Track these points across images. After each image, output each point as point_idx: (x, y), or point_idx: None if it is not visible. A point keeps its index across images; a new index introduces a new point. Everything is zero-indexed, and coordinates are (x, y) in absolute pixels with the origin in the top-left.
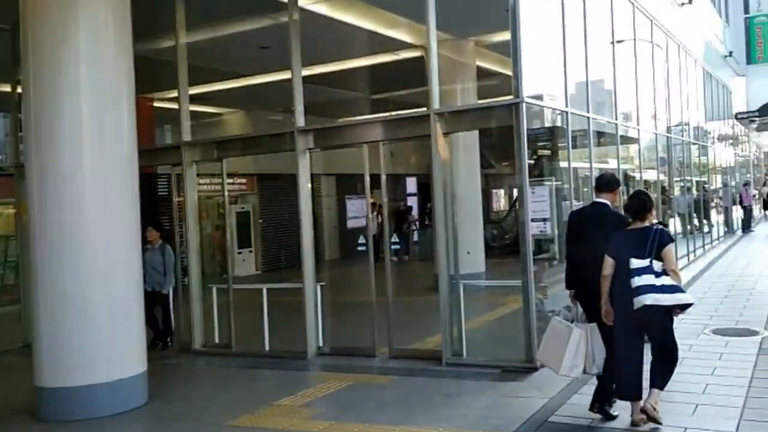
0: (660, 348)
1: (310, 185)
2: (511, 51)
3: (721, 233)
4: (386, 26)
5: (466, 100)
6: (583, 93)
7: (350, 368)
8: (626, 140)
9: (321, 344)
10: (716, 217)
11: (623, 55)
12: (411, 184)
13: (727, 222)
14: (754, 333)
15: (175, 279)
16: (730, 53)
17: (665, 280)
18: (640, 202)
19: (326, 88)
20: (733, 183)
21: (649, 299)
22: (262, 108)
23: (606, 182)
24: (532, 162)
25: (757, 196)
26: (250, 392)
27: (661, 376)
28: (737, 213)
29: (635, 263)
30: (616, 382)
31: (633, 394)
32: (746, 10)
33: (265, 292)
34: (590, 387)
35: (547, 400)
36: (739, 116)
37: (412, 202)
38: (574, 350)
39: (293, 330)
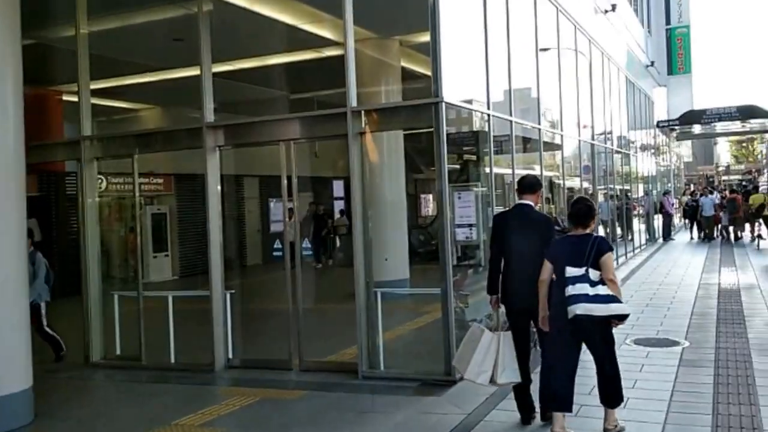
0: (598, 362)
1: (219, 186)
2: (430, 51)
3: (643, 241)
4: (308, 22)
5: (391, 100)
6: (508, 98)
7: (260, 382)
8: (550, 147)
9: (231, 356)
10: (638, 225)
11: (548, 61)
12: (338, 187)
13: (649, 230)
14: (675, 343)
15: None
16: (652, 63)
17: (600, 290)
18: (586, 209)
19: (247, 85)
20: (655, 192)
21: (580, 309)
22: (181, 104)
23: (528, 184)
24: (458, 166)
25: (677, 205)
26: (148, 410)
27: (607, 395)
28: (658, 221)
29: (570, 271)
30: (543, 389)
31: (558, 405)
32: (668, 21)
33: (170, 300)
34: (509, 402)
35: (464, 416)
36: (661, 124)
37: (341, 205)
38: (482, 355)
39: (206, 340)
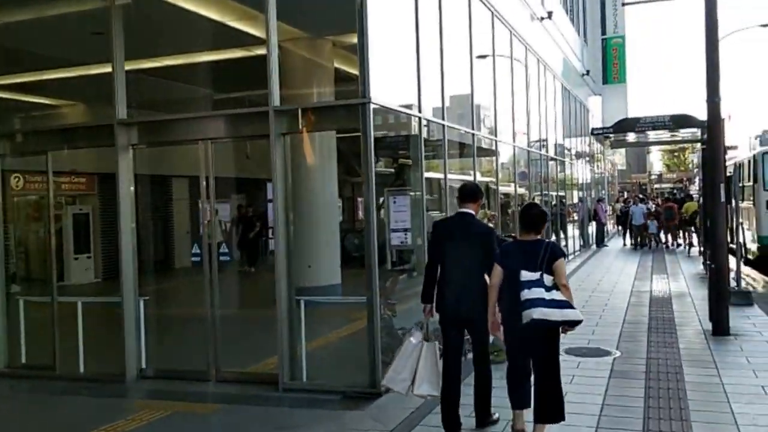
0: (539, 371)
1: (133, 187)
2: (358, 50)
3: (577, 247)
4: (234, 18)
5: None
6: (441, 102)
7: (173, 394)
8: (486, 152)
9: (144, 366)
10: (572, 232)
11: (484, 67)
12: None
13: (583, 236)
14: (607, 353)
15: None
16: (588, 72)
17: (555, 295)
18: (540, 214)
19: (172, 83)
20: (589, 199)
21: (537, 313)
22: (97, 100)
23: (470, 192)
24: (393, 170)
25: (610, 212)
26: (46, 425)
27: (547, 408)
28: (592, 228)
29: (525, 275)
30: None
31: (519, 404)
32: (603, 32)
33: (80, 306)
34: (434, 416)
35: None
36: (595, 132)
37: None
38: (403, 361)
39: (119, 349)
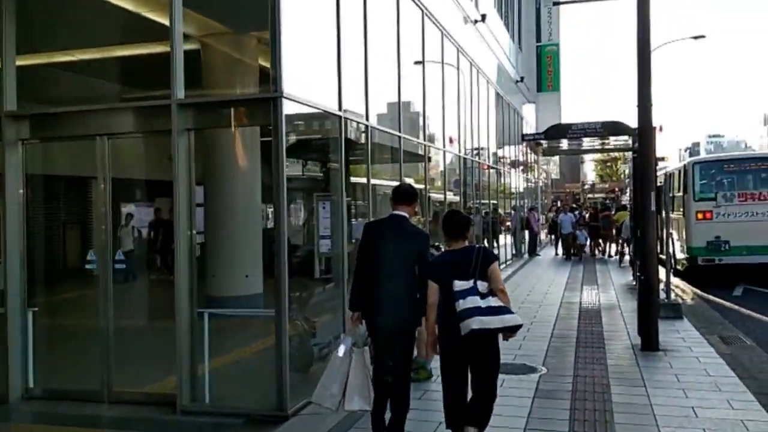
0: (480, 380)
1: (22, 188)
2: (270, 42)
3: (509, 256)
4: (147, 9)
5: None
6: (374, 105)
7: (60, 418)
8: (416, 157)
9: (31, 385)
10: (505, 240)
11: (413, 67)
12: (198, 194)
13: (516, 245)
14: (532, 370)
15: None
16: (522, 79)
17: (491, 302)
18: (465, 219)
19: (80, 77)
20: (525, 208)
21: (476, 323)
22: None
23: (404, 193)
24: (320, 175)
25: (543, 222)
26: None
27: (480, 414)
28: (525, 237)
29: (458, 285)
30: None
31: (455, 426)
32: (538, 39)
33: None
34: None
35: None
36: (526, 138)
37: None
38: (332, 376)
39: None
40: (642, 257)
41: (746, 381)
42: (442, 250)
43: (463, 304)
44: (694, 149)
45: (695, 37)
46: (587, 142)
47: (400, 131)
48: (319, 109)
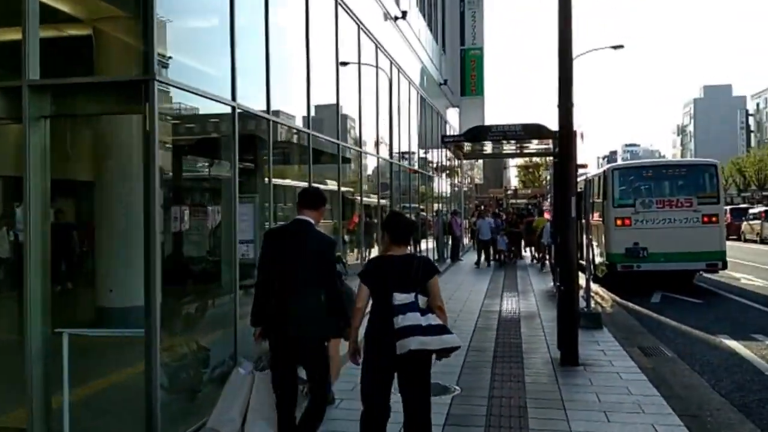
0: (411, 407)
1: None
2: (141, 20)
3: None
4: None
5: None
6: (268, 93)
7: None
8: (331, 158)
9: None
10: (427, 245)
11: (324, 60)
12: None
13: (438, 250)
14: (445, 390)
15: None
16: (445, 81)
17: (431, 319)
18: (411, 222)
19: None
20: (446, 212)
21: (415, 343)
22: None
23: (310, 197)
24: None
25: (467, 226)
26: None
27: None
28: (447, 242)
29: (399, 298)
30: None
31: None
32: (462, 42)
33: None
34: None
35: None
36: (446, 140)
37: None
38: (230, 398)
39: None
40: (562, 266)
41: (671, 401)
42: (344, 262)
43: (402, 321)
44: (611, 157)
45: (614, 47)
46: (509, 147)
47: (309, 128)
48: (202, 95)
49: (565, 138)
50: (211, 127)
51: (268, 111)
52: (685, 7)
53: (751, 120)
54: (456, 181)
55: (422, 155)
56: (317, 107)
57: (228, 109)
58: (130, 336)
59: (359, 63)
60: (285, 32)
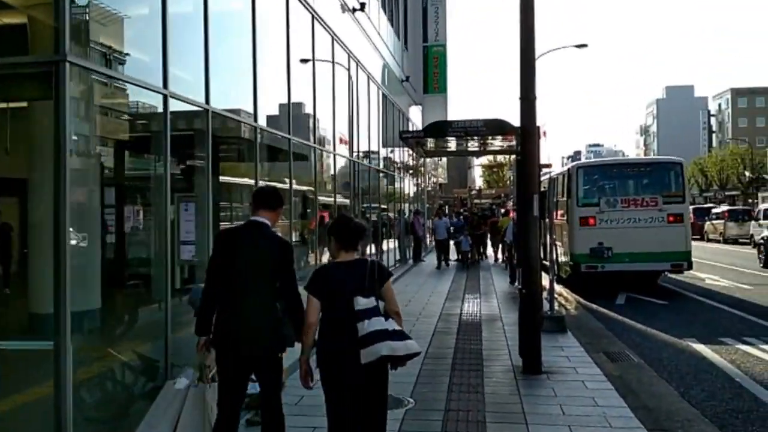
0: (370, 424)
1: None
2: None
3: (392, 263)
4: None
5: None
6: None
7: None
8: (297, 156)
9: None
10: (389, 246)
11: (275, 50)
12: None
13: (401, 251)
14: (398, 403)
15: None
16: (407, 78)
17: (394, 324)
18: (360, 226)
19: None
20: (408, 212)
21: (386, 349)
22: None
23: (266, 197)
24: (178, 172)
25: (430, 226)
26: None
27: None
28: (410, 242)
29: (362, 302)
30: None
31: None
32: (425, 39)
33: None
34: None
35: None
36: (405, 135)
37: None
38: (160, 412)
39: None
40: (524, 268)
41: (639, 413)
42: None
43: (368, 326)
44: (575, 157)
45: (578, 46)
46: (471, 144)
47: (256, 121)
48: (131, 83)
49: (527, 133)
50: (143, 119)
51: (207, 102)
52: (648, 8)
53: (713, 120)
54: (419, 181)
55: (384, 154)
56: (269, 101)
57: (159, 99)
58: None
59: (313, 55)
60: (229, 18)
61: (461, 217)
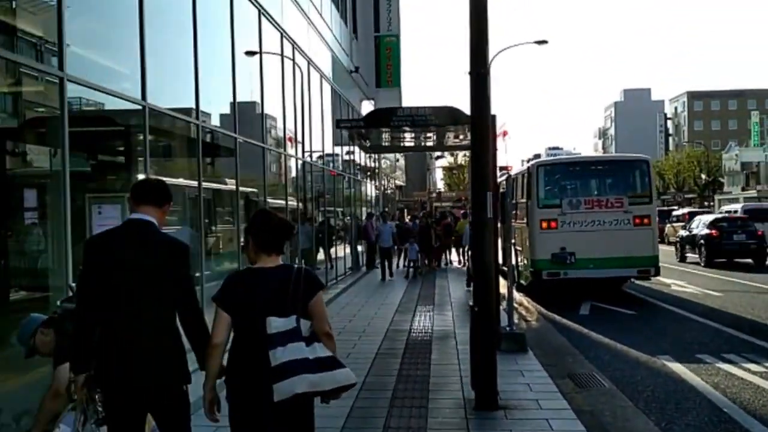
0: None
1: None
2: None
3: (342, 270)
4: None
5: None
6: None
7: None
8: (212, 149)
9: None
10: (339, 251)
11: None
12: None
13: (352, 257)
14: None
15: None
16: (357, 69)
17: (317, 350)
18: (281, 224)
19: None
20: (363, 216)
21: (303, 384)
22: None
23: (150, 189)
24: (88, 169)
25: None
26: None
27: None
28: (363, 248)
29: (276, 324)
30: None
31: None
32: (377, 29)
33: None
34: None
35: None
36: (342, 125)
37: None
38: None
39: None
40: (476, 281)
41: None
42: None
43: (282, 355)
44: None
45: (538, 42)
46: (426, 138)
47: (198, 118)
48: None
49: (478, 115)
50: (38, 106)
51: (144, 98)
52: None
53: (669, 123)
54: (376, 183)
55: (338, 154)
56: (211, 97)
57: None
58: None
59: (260, 41)
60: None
61: (416, 220)
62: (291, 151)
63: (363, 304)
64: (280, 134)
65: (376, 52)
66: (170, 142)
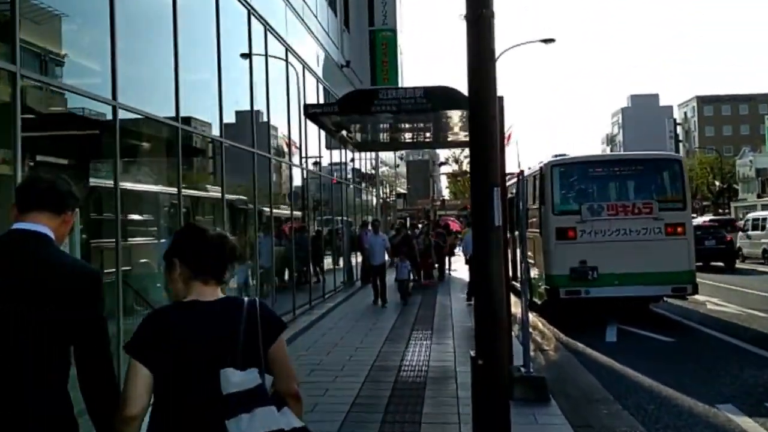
0: None
1: None
2: None
3: (332, 286)
4: None
5: None
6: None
7: None
8: (194, 151)
9: None
10: (330, 265)
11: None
12: None
13: (346, 271)
14: None
15: None
16: (348, 63)
17: (293, 419)
18: (223, 242)
19: None
20: (358, 225)
21: None
22: None
23: (43, 192)
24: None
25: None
26: None
27: None
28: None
29: (235, 380)
30: None
31: None
32: (371, 22)
33: None
34: None
35: None
36: (311, 111)
37: None
38: None
39: None
40: (478, 320)
41: None
42: None
43: (248, 427)
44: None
45: (545, 41)
46: (419, 132)
47: (178, 121)
48: None
49: (478, 67)
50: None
51: (114, 98)
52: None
53: (679, 129)
54: (374, 190)
55: (333, 159)
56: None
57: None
58: None
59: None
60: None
61: (415, 230)
62: (279, 155)
63: (349, 329)
64: (265, 136)
65: (371, 47)
66: (145, 145)
